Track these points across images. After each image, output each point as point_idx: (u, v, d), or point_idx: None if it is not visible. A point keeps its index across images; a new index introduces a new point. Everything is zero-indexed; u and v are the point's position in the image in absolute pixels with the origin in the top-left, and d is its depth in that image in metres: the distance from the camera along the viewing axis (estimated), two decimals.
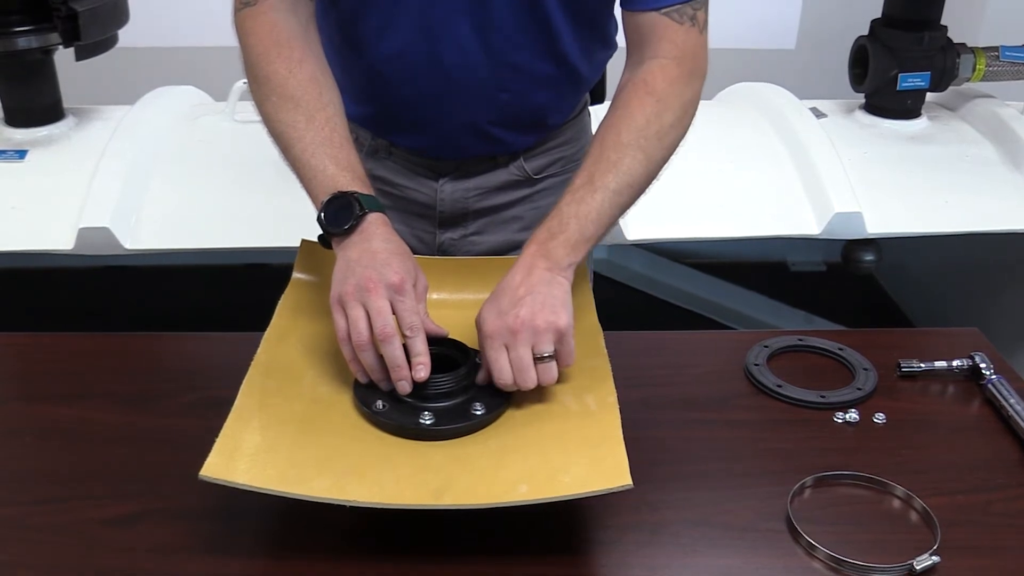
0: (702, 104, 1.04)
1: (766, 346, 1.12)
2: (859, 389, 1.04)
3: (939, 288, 2.42)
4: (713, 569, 0.82)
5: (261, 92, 0.99)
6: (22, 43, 1.77)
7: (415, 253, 0.94)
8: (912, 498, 0.88)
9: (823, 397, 1.03)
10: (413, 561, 0.81)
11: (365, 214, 0.92)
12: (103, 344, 1.14)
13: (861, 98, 2.08)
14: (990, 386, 1.04)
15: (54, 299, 2.31)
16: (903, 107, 2.02)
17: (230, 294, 2.17)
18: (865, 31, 2.03)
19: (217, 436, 0.81)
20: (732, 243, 1.79)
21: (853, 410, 1.01)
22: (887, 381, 1.07)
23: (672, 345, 1.16)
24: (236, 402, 0.87)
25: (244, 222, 1.71)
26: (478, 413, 0.87)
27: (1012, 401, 1.00)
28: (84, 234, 1.64)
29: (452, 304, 1.03)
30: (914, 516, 0.88)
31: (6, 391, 1.07)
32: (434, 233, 1.24)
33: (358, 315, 0.86)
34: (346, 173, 0.94)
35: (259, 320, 0.99)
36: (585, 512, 0.86)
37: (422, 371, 0.87)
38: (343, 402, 0.90)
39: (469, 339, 0.93)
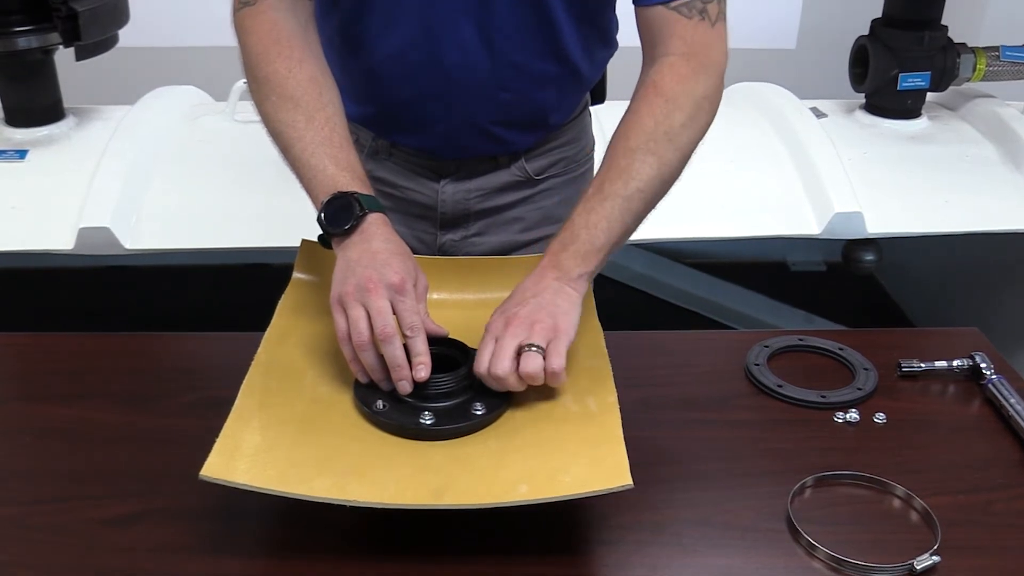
0: None
1: (766, 346, 1.12)
2: (859, 389, 1.04)
3: (939, 288, 2.42)
4: (713, 569, 0.82)
5: (261, 92, 0.99)
6: (22, 43, 1.77)
7: (416, 254, 0.94)
8: (912, 498, 0.88)
9: (823, 397, 1.03)
10: (413, 561, 0.81)
11: (365, 214, 0.92)
12: (103, 344, 1.14)
13: (861, 98, 2.08)
14: (990, 386, 1.04)
15: (54, 299, 2.30)
16: (903, 107, 2.02)
17: (230, 294, 2.16)
18: (865, 31, 2.03)
19: (217, 436, 0.81)
20: (732, 243, 1.79)
21: (853, 410, 1.01)
22: (887, 381, 1.07)
23: (672, 345, 1.16)
24: (236, 402, 0.87)
25: (244, 222, 1.71)
26: (478, 413, 0.87)
27: (1012, 401, 1.00)
28: (84, 234, 1.64)
29: (452, 304, 1.03)
30: (914, 516, 0.87)
31: (6, 391, 1.07)
32: (435, 234, 1.24)
33: (358, 315, 0.86)
34: (346, 173, 0.94)
35: (259, 320, 0.99)
36: (585, 512, 0.86)
37: (423, 371, 0.87)
38: (343, 402, 0.90)
39: (469, 339, 0.93)
